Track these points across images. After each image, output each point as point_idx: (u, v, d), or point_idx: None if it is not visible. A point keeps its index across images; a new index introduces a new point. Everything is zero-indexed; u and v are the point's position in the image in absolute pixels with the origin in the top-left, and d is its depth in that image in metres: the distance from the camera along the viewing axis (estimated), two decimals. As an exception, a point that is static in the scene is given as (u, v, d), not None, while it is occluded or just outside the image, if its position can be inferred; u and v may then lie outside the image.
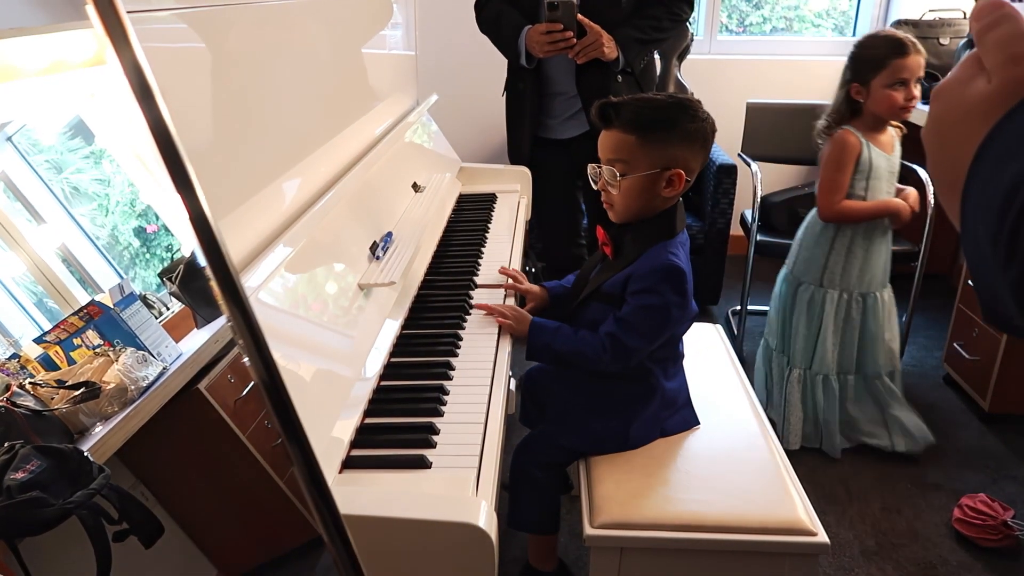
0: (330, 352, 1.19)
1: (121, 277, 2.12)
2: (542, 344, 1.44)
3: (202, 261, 0.49)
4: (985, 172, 0.41)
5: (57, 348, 1.65)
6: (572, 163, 2.51)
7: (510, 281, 1.69)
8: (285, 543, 1.94)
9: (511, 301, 1.62)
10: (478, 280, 1.70)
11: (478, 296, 1.62)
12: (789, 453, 2.22)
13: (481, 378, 1.28)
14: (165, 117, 0.47)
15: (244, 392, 1.79)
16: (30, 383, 1.52)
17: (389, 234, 1.57)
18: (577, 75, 2.26)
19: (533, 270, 3.32)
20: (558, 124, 2.41)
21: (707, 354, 1.84)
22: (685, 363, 1.58)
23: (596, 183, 1.43)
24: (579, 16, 2.13)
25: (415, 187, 1.93)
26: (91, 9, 0.43)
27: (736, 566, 1.33)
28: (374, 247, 1.50)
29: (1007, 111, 0.41)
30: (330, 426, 1.07)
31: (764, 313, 3.28)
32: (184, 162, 0.48)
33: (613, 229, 1.47)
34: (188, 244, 2.05)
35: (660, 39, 2.30)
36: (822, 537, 1.29)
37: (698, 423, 1.54)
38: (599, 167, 1.41)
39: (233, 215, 1.13)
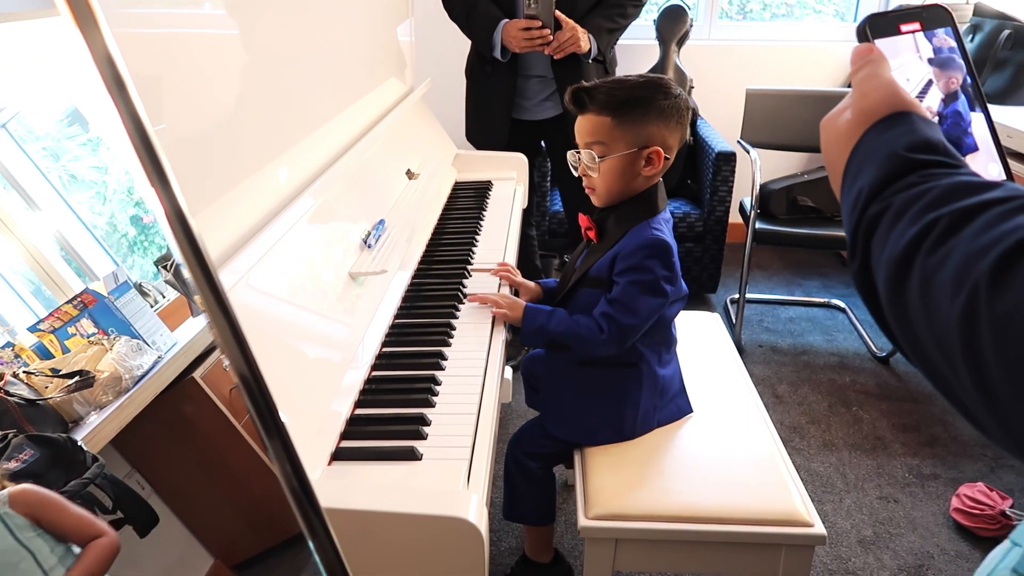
0: (320, 342, 1.18)
1: (117, 265, 2.11)
2: (536, 327, 1.42)
3: (178, 258, 0.48)
4: (846, 187, 0.52)
5: (51, 337, 1.64)
6: (539, 146, 2.61)
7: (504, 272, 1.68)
8: (282, 531, 1.94)
9: (505, 290, 1.61)
10: (471, 270, 1.69)
11: (472, 285, 1.61)
12: (787, 441, 2.22)
13: (474, 368, 1.27)
14: (138, 108, 0.45)
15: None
16: (24, 372, 1.51)
17: (382, 222, 1.56)
18: (552, 58, 2.29)
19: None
20: (533, 105, 2.46)
21: (705, 343, 1.83)
22: (682, 351, 1.57)
23: (576, 169, 1.42)
24: (555, 12, 2.15)
25: (409, 174, 1.91)
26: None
27: (731, 557, 1.33)
28: (367, 235, 1.48)
29: (858, 138, 0.53)
30: (320, 417, 1.06)
31: (762, 302, 3.28)
32: (159, 155, 0.47)
33: (595, 213, 1.46)
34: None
35: (626, 25, 2.36)
36: (818, 528, 1.28)
37: (691, 411, 1.53)
38: (578, 153, 1.40)
39: (221, 201, 1.11)
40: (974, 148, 0.60)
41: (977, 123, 0.60)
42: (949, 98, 0.61)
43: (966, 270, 0.38)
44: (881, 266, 0.46)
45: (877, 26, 0.60)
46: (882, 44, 0.59)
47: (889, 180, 0.48)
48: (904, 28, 0.61)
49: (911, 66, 0.60)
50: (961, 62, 0.61)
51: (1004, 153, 0.59)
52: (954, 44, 0.61)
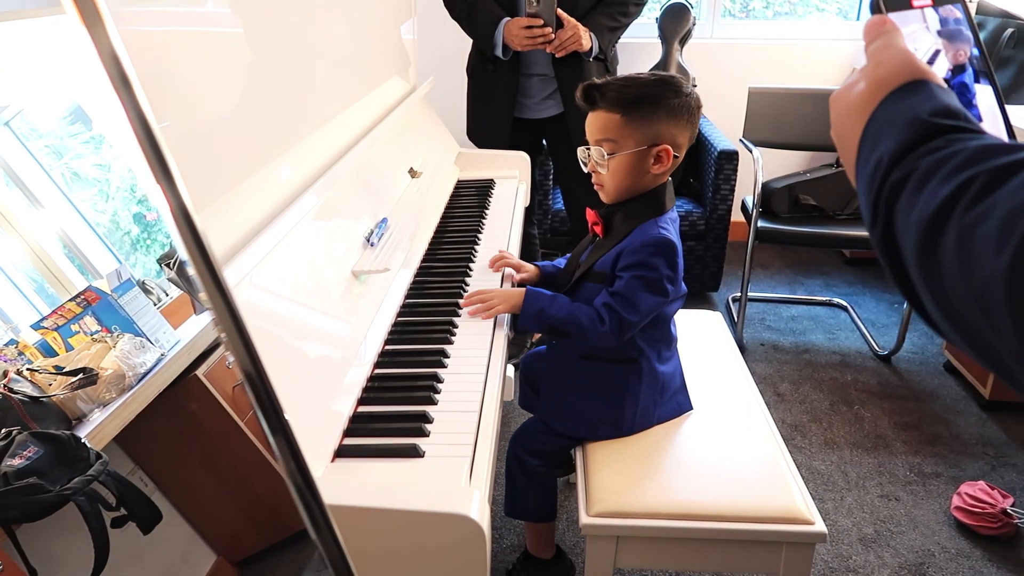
0: (323, 339, 1.19)
1: (120, 263, 2.11)
2: (537, 310, 1.41)
3: (184, 255, 0.48)
4: (863, 157, 0.51)
5: (55, 334, 1.65)
6: (541, 145, 2.61)
7: (507, 271, 1.67)
8: (284, 528, 1.95)
9: (508, 285, 1.61)
10: (474, 268, 1.69)
11: (475, 283, 1.61)
12: (789, 439, 2.22)
13: (476, 366, 1.27)
14: (143, 105, 0.46)
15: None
16: (28, 369, 1.52)
17: (384, 220, 1.56)
18: (553, 56, 2.29)
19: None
20: (535, 104, 2.46)
21: (707, 341, 1.83)
22: (684, 350, 1.57)
23: (586, 165, 1.42)
24: (557, 10, 2.16)
25: (412, 172, 1.92)
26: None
27: (732, 554, 1.33)
28: (369, 233, 1.49)
29: (874, 107, 0.52)
30: (323, 414, 1.06)
31: (764, 300, 3.28)
32: (165, 153, 0.47)
33: (603, 208, 1.46)
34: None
35: (628, 24, 2.36)
36: (819, 526, 1.29)
37: (691, 408, 1.54)
38: (588, 149, 1.40)
39: (224, 198, 1.12)
40: (979, 119, 0.60)
41: (982, 95, 0.61)
42: (956, 70, 0.61)
43: (1012, 223, 0.38)
44: (910, 227, 0.45)
45: (890, 1, 0.61)
46: (892, 17, 0.59)
47: (912, 146, 0.47)
48: (916, 3, 0.61)
49: (918, 36, 0.60)
50: (968, 34, 0.61)
51: (1010, 123, 0.59)
52: (960, 16, 0.61)
